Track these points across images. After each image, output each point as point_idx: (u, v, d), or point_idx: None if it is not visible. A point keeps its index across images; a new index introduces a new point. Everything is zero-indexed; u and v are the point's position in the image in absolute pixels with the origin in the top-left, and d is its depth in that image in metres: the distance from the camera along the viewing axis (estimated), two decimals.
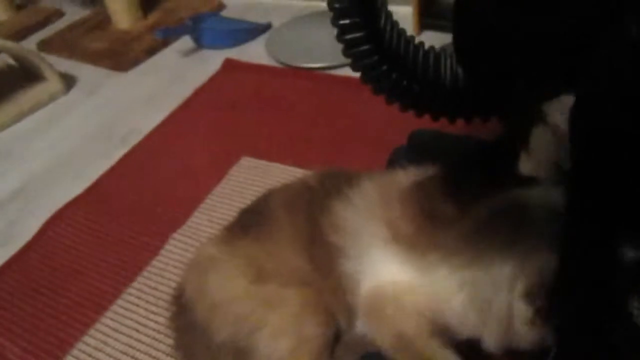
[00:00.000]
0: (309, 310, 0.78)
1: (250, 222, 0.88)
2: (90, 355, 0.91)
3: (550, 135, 0.54)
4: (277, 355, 0.75)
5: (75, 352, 0.92)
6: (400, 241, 0.73)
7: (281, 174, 1.19)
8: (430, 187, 0.70)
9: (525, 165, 0.56)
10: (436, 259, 0.69)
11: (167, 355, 0.89)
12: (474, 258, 0.66)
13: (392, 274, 0.74)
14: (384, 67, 0.81)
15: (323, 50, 1.49)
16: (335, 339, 0.79)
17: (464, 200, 0.65)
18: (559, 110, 0.53)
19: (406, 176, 0.82)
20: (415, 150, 1.08)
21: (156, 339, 0.92)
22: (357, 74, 0.88)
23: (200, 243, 1.05)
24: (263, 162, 1.24)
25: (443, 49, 0.93)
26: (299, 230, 0.83)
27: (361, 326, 0.78)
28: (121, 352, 0.91)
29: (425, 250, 0.70)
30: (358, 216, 0.80)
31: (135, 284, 1.02)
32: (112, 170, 1.30)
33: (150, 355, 0.90)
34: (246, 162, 1.25)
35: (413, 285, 0.72)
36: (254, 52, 1.63)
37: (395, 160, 1.11)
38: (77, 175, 1.29)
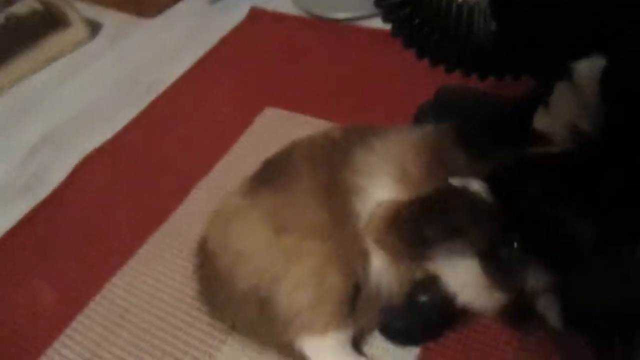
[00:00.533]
0: (329, 262, 0.79)
1: (273, 174, 0.89)
2: (118, 296, 0.95)
3: (573, 93, 0.51)
4: (297, 306, 0.77)
5: (104, 292, 0.96)
6: (408, 184, 0.74)
7: (305, 125, 1.19)
8: (444, 137, 0.70)
9: (542, 120, 0.54)
10: None
11: (193, 299, 0.92)
12: None
13: None
14: (416, 21, 0.80)
15: (350, 0, 1.46)
16: (356, 292, 0.81)
17: (474, 151, 0.64)
18: (587, 70, 0.50)
19: (432, 129, 0.82)
20: (442, 106, 1.07)
21: (183, 283, 0.94)
22: (386, 26, 0.86)
23: (224, 192, 1.07)
24: (287, 113, 1.24)
25: (476, 2, 0.90)
26: (319, 181, 0.83)
27: (376, 276, 0.80)
28: (149, 294, 0.94)
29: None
30: (377, 160, 0.80)
31: (161, 229, 1.04)
32: (138, 120, 1.31)
33: (177, 299, 0.93)
34: (270, 112, 1.25)
35: None
36: (280, 1, 1.60)
37: (421, 116, 1.10)
38: (103, 124, 1.30)
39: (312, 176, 0.85)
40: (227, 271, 0.82)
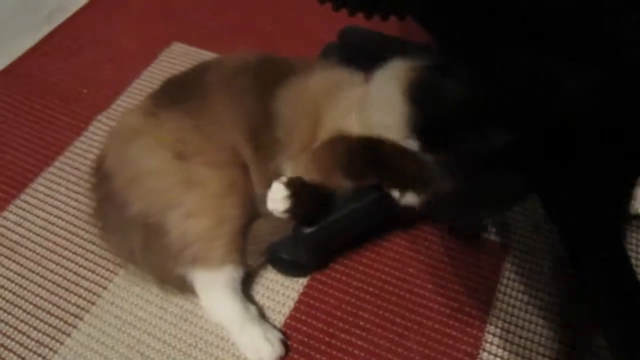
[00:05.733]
0: (231, 191, 0.79)
1: (180, 96, 0.85)
2: (9, 230, 0.92)
3: None
4: (191, 235, 0.77)
5: None
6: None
7: None
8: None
9: None
10: None
11: (86, 232, 0.91)
12: None
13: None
14: None
15: None
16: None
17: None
18: None
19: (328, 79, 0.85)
20: (345, 47, 1.08)
21: (76, 217, 0.93)
22: None
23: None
24: (194, 49, 1.21)
25: None
26: (236, 112, 0.82)
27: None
28: (41, 227, 0.93)
29: None
30: (291, 121, 0.82)
31: (56, 164, 1.01)
32: (37, 48, 1.24)
33: (70, 232, 0.92)
34: (177, 47, 1.22)
35: None
36: None
37: (326, 57, 1.11)
38: None
39: (229, 104, 0.83)
40: (121, 192, 0.80)
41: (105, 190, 0.83)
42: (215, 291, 0.79)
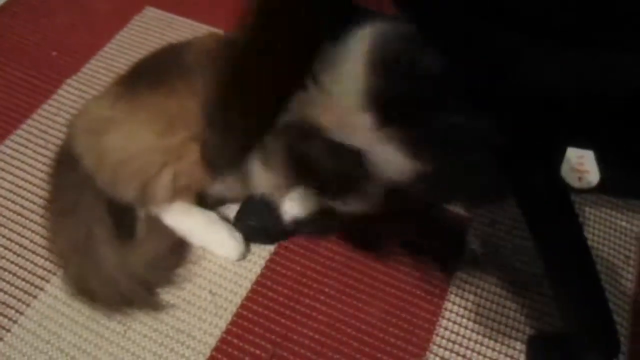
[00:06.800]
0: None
1: (158, 77, 0.84)
2: None
3: None
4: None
5: None
6: None
7: (185, 29, 1.16)
8: None
9: None
10: None
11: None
12: None
13: None
14: None
15: None
16: None
17: None
18: None
19: None
20: None
21: (44, 180, 0.93)
22: None
23: (93, 93, 1.03)
24: (168, 15, 1.20)
25: None
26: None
27: None
28: (7, 190, 0.92)
29: None
30: None
31: (24, 127, 1.00)
32: (6, 7, 1.21)
33: (37, 195, 0.91)
34: (150, 12, 1.20)
35: None
36: None
37: None
38: None
39: (205, 84, 0.82)
40: (109, 184, 0.82)
41: (80, 185, 0.84)
42: (173, 210, 0.84)
